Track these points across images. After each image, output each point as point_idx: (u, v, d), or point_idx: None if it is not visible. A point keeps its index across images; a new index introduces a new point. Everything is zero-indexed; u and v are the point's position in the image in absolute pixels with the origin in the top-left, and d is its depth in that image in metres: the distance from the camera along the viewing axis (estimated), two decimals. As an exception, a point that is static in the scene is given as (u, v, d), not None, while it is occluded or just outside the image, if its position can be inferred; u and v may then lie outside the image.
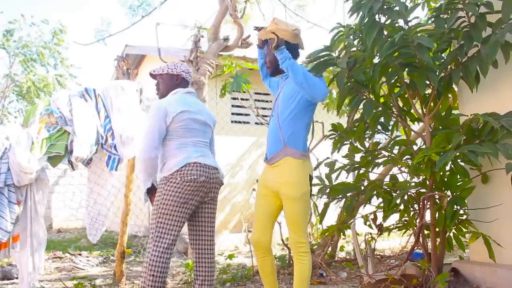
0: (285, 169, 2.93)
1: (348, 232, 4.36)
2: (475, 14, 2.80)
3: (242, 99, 7.33)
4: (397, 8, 2.94)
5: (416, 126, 3.89)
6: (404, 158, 3.34)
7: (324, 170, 3.62)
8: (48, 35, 15.88)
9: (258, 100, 7.61)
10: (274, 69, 3.10)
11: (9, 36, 15.40)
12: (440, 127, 3.24)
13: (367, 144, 3.59)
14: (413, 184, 3.30)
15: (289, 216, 2.94)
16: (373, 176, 3.71)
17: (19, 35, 15.64)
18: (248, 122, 7.92)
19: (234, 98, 7.63)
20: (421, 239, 3.21)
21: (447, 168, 3.12)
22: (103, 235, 8.68)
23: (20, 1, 28.21)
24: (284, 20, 3.28)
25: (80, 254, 6.62)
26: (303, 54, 3.20)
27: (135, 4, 9.88)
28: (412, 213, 3.38)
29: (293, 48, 3.06)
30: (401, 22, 3.07)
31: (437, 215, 3.07)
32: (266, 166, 3.08)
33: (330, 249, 5.17)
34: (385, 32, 3.07)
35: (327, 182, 3.58)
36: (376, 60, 3.14)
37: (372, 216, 3.60)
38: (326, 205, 3.61)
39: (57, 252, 6.67)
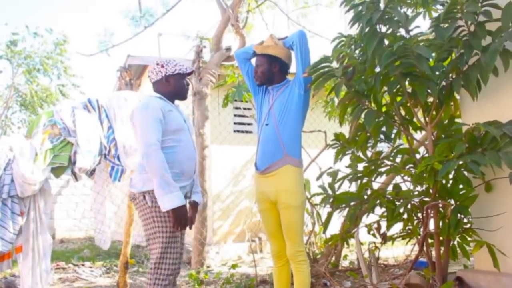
0: (284, 177, 2.96)
1: (352, 241, 4.35)
2: (474, 23, 2.81)
3: (244, 108, 7.36)
4: (397, 18, 2.95)
5: (418, 135, 3.89)
6: (407, 167, 3.34)
7: (327, 179, 3.62)
8: (51, 45, 15.97)
9: (261, 109, 7.61)
10: (265, 80, 3.15)
11: (13, 47, 15.50)
12: (443, 136, 3.24)
13: (369, 154, 3.59)
14: (416, 193, 3.29)
15: (288, 225, 2.96)
16: (376, 185, 3.70)
17: (23, 46, 15.75)
18: (250, 132, 7.93)
19: (236, 108, 7.66)
20: (425, 248, 3.20)
21: (450, 176, 3.12)
22: (107, 246, 8.68)
23: (23, 12, 28.45)
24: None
25: (83, 265, 6.61)
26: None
27: (137, 15, 9.94)
28: (415, 222, 3.37)
29: (286, 67, 3.19)
30: (402, 31, 3.08)
31: (441, 223, 3.06)
32: (259, 177, 3.09)
33: (333, 258, 5.16)
34: (386, 42, 3.08)
35: (330, 192, 3.58)
36: (377, 69, 3.15)
37: (375, 225, 3.60)
38: (330, 215, 3.61)
39: (60, 263, 6.66)
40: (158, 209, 2.65)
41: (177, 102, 3.02)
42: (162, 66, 2.87)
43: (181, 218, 2.63)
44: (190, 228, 2.75)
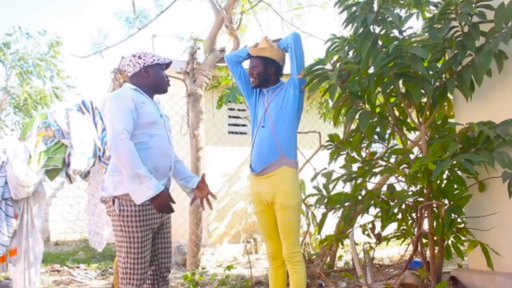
0: (281, 179, 2.97)
1: (347, 241, 4.36)
2: (468, 23, 2.83)
3: (238, 109, 7.37)
4: (390, 19, 2.97)
5: (412, 135, 3.90)
6: (401, 167, 3.35)
7: (321, 180, 3.62)
8: (45, 47, 15.92)
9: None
10: (261, 82, 3.15)
11: (6, 49, 15.42)
12: (436, 136, 3.25)
13: (364, 154, 3.60)
14: (410, 193, 3.30)
15: (284, 226, 2.96)
16: (370, 185, 3.71)
17: (16, 48, 15.68)
18: (245, 133, 7.94)
19: (231, 109, 7.66)
20: (419, 248, 3.21)
21: (444, 176, 3.13)
22: (101, 248, 8.64)
23: (15, 13, 28.35)
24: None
25: (78, 267, 6.58)
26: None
27: (131, 16, 9.92)
28: (410, 222, 3.38)
29: (281, 69, 3.19)
30: (395, 32, 3.10)
31: (435, 223, 3.08)
32: (254, 179, 3.09)
33: (328, 259, 5.16)
34: (380, 43, 3.09)
35: (324, 192, 3.58)
36: (371, 70, 3.16)
37: (370, 226, 3.60)
38: (324, 215, 3.61)
39: (55, 265, 6.63)
40: (125, 218, 2.53)
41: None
42: (140, 57, 2.74)
43: (161, 207, 2.53)
44: (171, 211, 2.62)
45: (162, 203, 2.54)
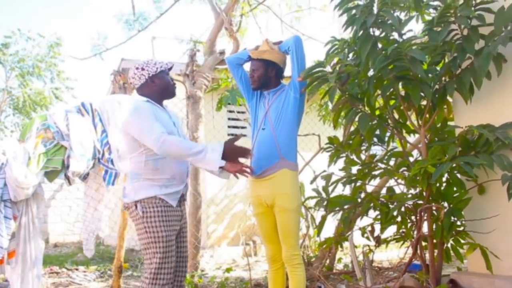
0: (281, 181, 2.97)
1: (346, 244, 4.36)
2: (467, 26, 2.83)
3: (238, 112, 7.36)
4: (390, 21, 2.97)
5: (412, 138, 3.90)
6: (401, 170, 3.35)
7: (321, 182, 3.62)
8: (44, 48, 15.89)
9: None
10: (261, 84, 3.15)
11: (6, 50, 15.42)
12: (436, 139, 3.25)
13: (363, 157, 3.60)
14: (409, 196, 3.30)
15: (284, 228, 2.96)
16: (369, 188, 3.72)
17: (15, 49, 15.67)
18: (244, 135, 7.90)
19: (230, 111, 7.65)
20: (419, 251, 3.21)
21: (444, 179, 3.13)
22: (101, 250, 8.64)
23: (15, 14, 28.37)
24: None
25: (77, 269, 6.57)
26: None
27: (131, 18, 9.92)
28: (409, 224, 3.38)
29: (281, 71, 3.20)
30: (395, 35, 3.10)
31: (434, 226, 3.07)
32: (254, 181, 3.09)
33: (328, 261, 5.16)
34: (380, 45, 3.10)
35: (324, 195, 3.58)
36: (370, 73, 3.16)
37: (369, 228, 3.61)
38: (324, 218, 3.61)
39: (54, 267, 6.62)
40: (149, 219, 2.60)
41: (167, 105, 2.98)
42: (143, 69, 2.79)
43: (237, 155, 2.73)
44: (247, 152, 2.75)
45: (233, 155, 2.71)
